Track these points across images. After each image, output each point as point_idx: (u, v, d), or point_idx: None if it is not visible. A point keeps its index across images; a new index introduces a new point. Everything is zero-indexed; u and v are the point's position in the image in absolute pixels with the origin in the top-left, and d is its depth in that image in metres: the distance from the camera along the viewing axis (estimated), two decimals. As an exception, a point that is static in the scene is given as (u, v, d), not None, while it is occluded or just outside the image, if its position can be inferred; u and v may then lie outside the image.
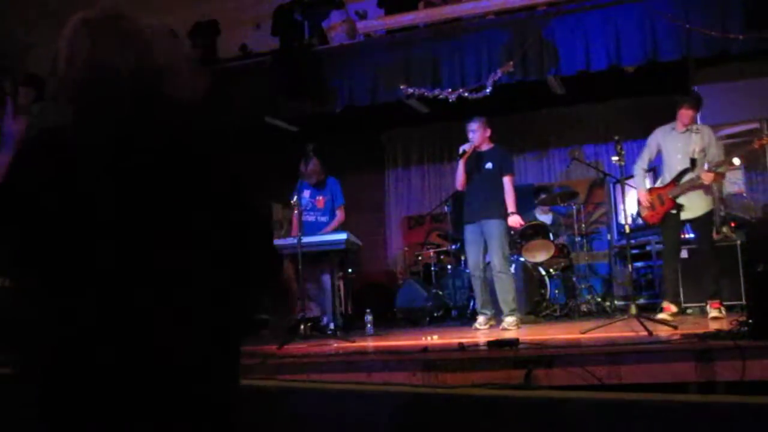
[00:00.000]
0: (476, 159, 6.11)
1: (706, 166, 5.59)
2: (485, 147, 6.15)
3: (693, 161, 5.61)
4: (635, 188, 5.96)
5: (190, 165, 1.44)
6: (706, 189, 5.65)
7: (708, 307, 5.53)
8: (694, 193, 5.61)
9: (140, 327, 1.34)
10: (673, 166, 5.74)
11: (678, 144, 5.71)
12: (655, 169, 6.37)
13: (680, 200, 5.64)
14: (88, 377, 1.33)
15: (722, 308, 5.48)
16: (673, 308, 5.61)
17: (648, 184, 5.91)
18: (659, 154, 5.86)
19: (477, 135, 6.08)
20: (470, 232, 6.10)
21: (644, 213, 5.87)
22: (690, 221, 5.73)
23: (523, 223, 6.15)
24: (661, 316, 5.43)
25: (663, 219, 5.74)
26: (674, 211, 5.66)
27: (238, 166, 1.51)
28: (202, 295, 1.40)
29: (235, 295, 1.47)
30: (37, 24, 8.81)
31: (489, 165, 6.07)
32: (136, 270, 1.35)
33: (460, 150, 6.09)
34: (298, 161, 6.56)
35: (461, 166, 6.12)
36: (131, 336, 1.33)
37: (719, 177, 5.72)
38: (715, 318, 5.32)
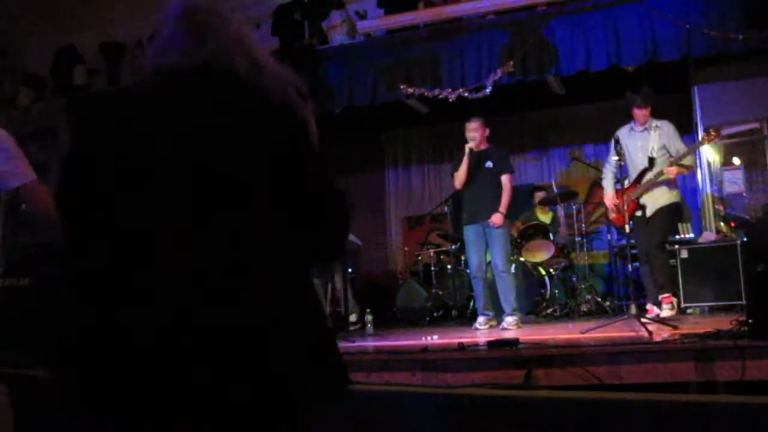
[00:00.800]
0: (476, 158, 6.09)
1: (668, 161, 5.54)
2: (483, 146, 6.14)
3: (651, 160, 5.58)
4: (605, 191, 5.93)
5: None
6: (670, 184, 5.60)
7: (660, 301, 5.50)
8: (656, 190, 5.59)
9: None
10: (634, 166, 5.73)
11: (638, 143, 5.70)
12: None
13: (643, 200, 5.63)
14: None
15: (674, 303, 5.47)
16: (656, 310, 5.55)
17: (613, 189, 5.84)
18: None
19: (477, 134, 6.05)
20: (472, 233, 6.06)
21: (611, 216, 5.84)
22: (650, 218, 5.66)
23: (499, 223, 5.95)
24: (665, 314, 5.39)
25: (630, 221, 5.65)
26: (639, 213, 5.64)
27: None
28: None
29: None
30: (38, 24, 8.83)
31: (489, 164, 6.04)
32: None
33: (467, 149, 6.03)
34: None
35: (465, 164, 6.07)
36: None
37: (684, 169, 5.64)
38: (666, 317, 5.24)
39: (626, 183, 5.75)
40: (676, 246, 6.55)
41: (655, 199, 5.61)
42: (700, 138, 6.75)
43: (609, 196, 5.78)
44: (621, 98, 8.58)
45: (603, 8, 6.20)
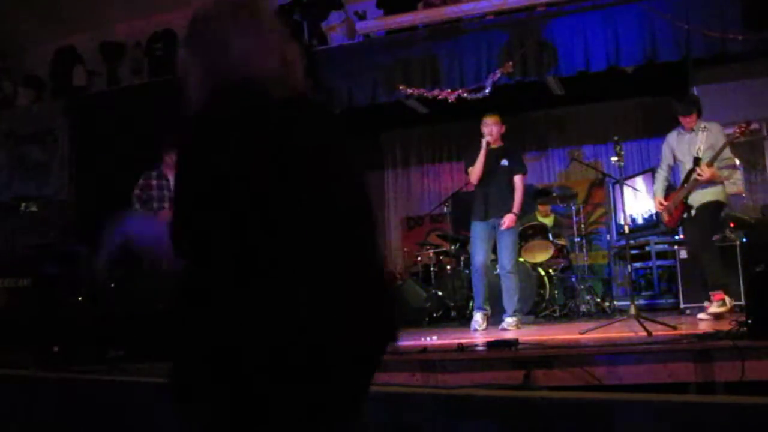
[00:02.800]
0: (491, 156, 5.95)
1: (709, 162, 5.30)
2: (499, 144, 6.03)
3: (696, 160, 5.41)
4: (654, 195, 5.84)
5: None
6: (714, 184, 5.37)
7: (711, 299, 5.25)
8: (701, 190, 5.40)
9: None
10: (684, 169, 5.58)
11: (685, 146, 5.55)
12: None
13: (690, 201, 5.46)
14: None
15: (726, 300, 5.14)
16: (723, 294, 5.21)
17: (662, 193, 5.70)
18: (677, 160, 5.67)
19: (495, 129, 5.94)
20: (480, 229, 5.96)
21: (664, 219, 5.73)
22: (694, 215, 5.46)
23: (512, 225, 5.89)
24: (712, 310, 5.19)
25: (681, 222, 5.61)
26: (685, 214, 5.50)
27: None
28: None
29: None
30: (37, 25, 8.82)
31: (505, 162, 5.93)
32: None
33: (484, 142, 5.91)
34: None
35: (482, 158, 5.92)
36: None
37: (715, 173, 5.31)
38: (714, 313, 5.11)
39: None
40: (676, 246, 6.56)
41: (700, 198, 5.43)
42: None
43: (656, 199, 5.71)
44: (621, 98, 8.69)
45: (602, 9, 6.20)
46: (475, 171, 6.00)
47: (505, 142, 6.12)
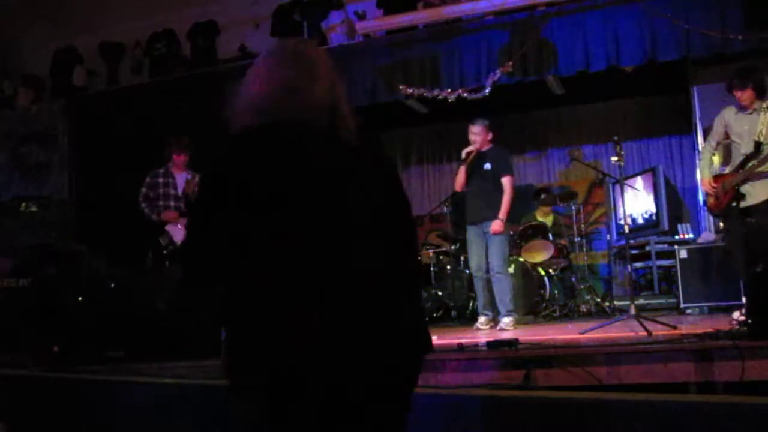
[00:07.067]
0: (476, 160, 6.06)
1: None
2: (485, 148, 6.10)
3: (758, 145, 5.02)
4: (700, 174, 5.48)
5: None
6: None
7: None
8: (759, 181, 5.00)
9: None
10: (738, 151, 5.16)
11: (744, 126, 5.12)
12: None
13: (743, 189, 5.06)
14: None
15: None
16: None
17: (711, 172, 5.31)
18: (729, 137, 5.25)
19: (479, 139, 6.01)
20: (473, 233, 6.07)
21: (709, 202, 5.36)
22: (749, 208, 5.03)
23: (499, 230, 5.87)
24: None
25: (726, 209, 5.19)
26: (734, 203, 5.10)
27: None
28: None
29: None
30: (37, 25, 8.83)
31: (487, 165, 6.01)
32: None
33: (463, 154, 6.03)
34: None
35: (463, 169, 6.07)
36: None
37: None
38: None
39: (728, 169, 5.27)
40: (676, 246, 6.56)
41: (760, 190, 4.98)
42: (700, 138, 6.68)
43: (704, 181, 5.31)
44: (621, 98, 8.68)
45: (602, 8, 6.20)
46: (458, 179, 6.16)
47: (493, 144, 6.16)
